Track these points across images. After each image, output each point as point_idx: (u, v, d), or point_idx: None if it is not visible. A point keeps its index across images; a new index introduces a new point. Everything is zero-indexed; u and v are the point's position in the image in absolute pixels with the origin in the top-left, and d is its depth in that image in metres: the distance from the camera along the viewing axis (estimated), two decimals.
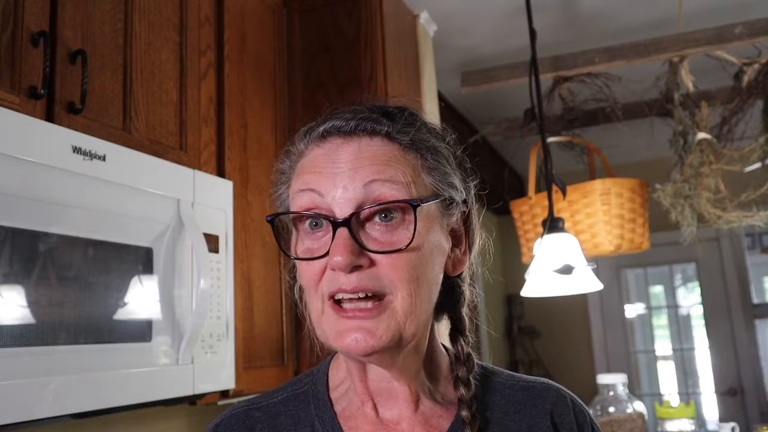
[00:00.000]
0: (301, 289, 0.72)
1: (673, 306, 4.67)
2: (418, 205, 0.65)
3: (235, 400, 1.42)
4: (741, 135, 2.39)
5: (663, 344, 4.66)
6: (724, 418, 3.97)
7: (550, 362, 4.58)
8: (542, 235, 1.86)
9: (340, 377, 0.76)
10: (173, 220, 1.35)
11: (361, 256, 0.64)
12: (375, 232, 0.65)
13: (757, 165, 2.29)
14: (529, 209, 2.32)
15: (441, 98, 2.79)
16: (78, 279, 1.13)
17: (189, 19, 1.57)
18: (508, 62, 2.48)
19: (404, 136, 0.68)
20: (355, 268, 0.63)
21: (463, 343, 0.76)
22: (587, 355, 4.54)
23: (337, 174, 0.65)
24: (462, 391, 0.72)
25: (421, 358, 0.72)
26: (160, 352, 1.29)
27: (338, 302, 0.65)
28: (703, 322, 4.37)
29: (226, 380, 1.46)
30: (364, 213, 0.65)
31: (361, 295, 0.64)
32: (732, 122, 2.37)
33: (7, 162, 1.02)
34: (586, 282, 1.80)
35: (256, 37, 1.86)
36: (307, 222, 0.67)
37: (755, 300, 4.24)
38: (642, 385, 4.55)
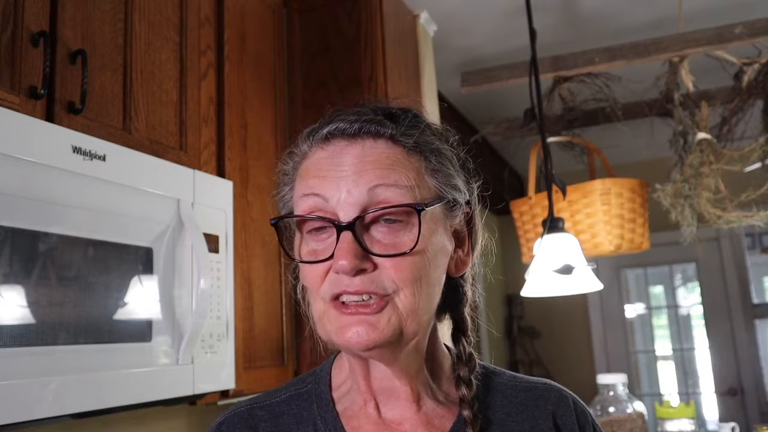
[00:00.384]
0: (303, 288, 0.72)
1: (673, 306, 4.67)
2: (423, 210, 0.65)
3: (235, 400, 1.42)
4: (741, 135, 2.39)
5: (663, 344, 4.66)
6: (724, 418, 3.97)
7: (550, 362, 4.58)
8: (542, 235, 1.86)
9: (342, 377, 0.76)
10: (173, 220, 1.35)
11: (365, 259, 0.64)
12: (379, 236, 0.65)
13: (757, 165, 2.29)
14: (529, 209, 2.32)
15: (441, 98, 2.79)
16: (78, 279, 1.13)
17: (189, 19, 1.57)
18: (508, 62, 2.48)
19: (408, 138, 0.68)
20: (359, 271, 0.63)
21: (465, 343, 0.76)
22: (587, 355, 4.54)
23: (342, 178, 0.65)
24: (464, 390, 0.72)
25: (422, 358, 0.72)
26: (160, 352, 1.29)
27: (340, 300, 0.65)
28: (703, 322, 4.36)
29: (226, 380, 1.46)
30: (368, 217, 0.65)
31: (365, 297, 0.64)
32: (732, 122, 2.37)
33: (7, 162, 1.02)
34: (586, 282, 1.80)
35: (256, 37, 1.86)
36: (311, 225, 0.67)
37: (755, 300, 4.24)
38: (642, 385, 4.54)
